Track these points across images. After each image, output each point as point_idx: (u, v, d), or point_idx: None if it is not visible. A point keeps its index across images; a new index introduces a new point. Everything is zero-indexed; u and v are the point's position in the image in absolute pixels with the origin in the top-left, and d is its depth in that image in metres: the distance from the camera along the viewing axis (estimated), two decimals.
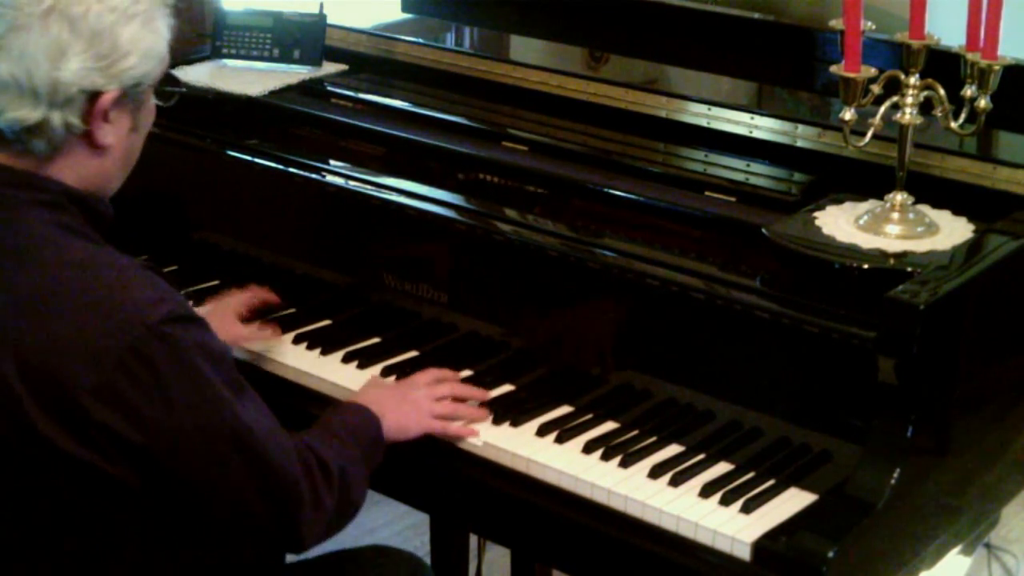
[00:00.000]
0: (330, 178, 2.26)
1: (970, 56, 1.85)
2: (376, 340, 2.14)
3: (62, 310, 1.53)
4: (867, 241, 1.84)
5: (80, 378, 1.50)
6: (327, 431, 1.80)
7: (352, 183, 2.22)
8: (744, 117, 2.18)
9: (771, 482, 1.78)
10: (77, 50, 1.55)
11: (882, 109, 1.85)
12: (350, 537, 2.01)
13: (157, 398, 1.52)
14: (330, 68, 2.60)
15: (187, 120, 2.45)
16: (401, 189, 2.17)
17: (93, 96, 1.58)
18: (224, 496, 1.61)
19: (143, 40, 1.61)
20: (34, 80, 1.54)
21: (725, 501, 1.75)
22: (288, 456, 1.65)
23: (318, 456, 1.70)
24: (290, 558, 2.08)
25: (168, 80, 1.73)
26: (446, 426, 1.91)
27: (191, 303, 2.27)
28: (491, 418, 1.94)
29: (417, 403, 1.92)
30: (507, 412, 1.94)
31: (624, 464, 1.83)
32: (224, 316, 2.12)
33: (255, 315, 2.20)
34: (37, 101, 1.55)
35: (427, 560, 2.69)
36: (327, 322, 2.20)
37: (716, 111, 2.20)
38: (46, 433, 1.51)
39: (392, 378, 2.04)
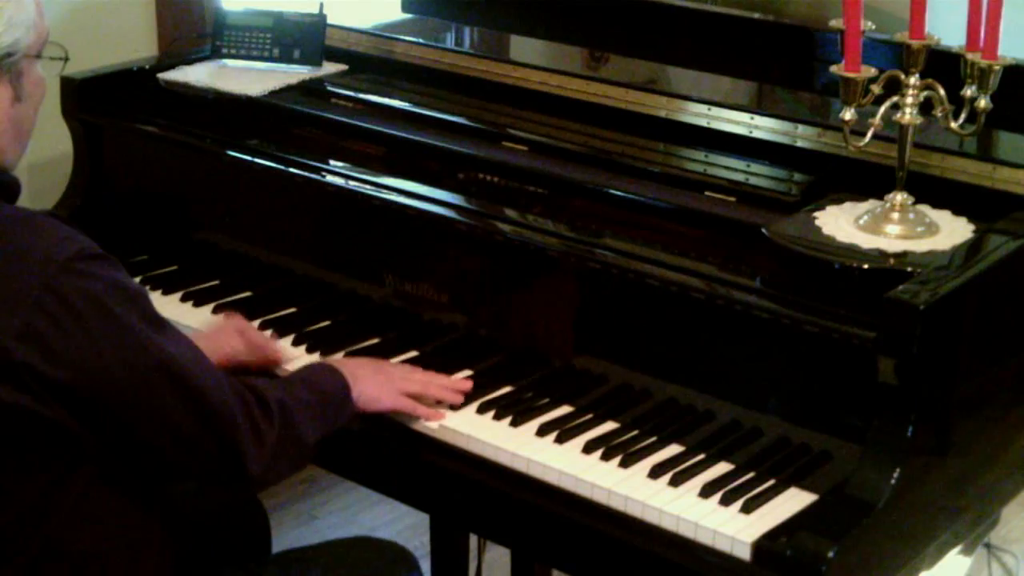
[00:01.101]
0: (330, 178, 2.26)
1: (970, 56, 1.85)
2: (376, 340, 2.14)
3: None
4: (867, 241, 1.84)
5: (3, 325, 1.53)
6: (281, 380, 1.84)
7: (352, 183, 2.22)
8: (744, 117, 2.18)
9: (771, 482, 1.78)
10: None
11: (882, 109, 1.85)
12: (349, 535, 2.02)
13: (76, 334, 1.55)
14: (330, 68, 2.59)
15: (187, 120, 2.46)
16: (401, 189, 2.17)
17: None
18: (161, 428, 1.63)
19: (5, 10, 1.63)
20: None
21: (725, 501, 1.75)
22: (218, 383, 1.67)
23: (256, 392, 1.73)
24: (277, 547, 2.09)
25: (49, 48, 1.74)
26: (416, 406, 1.93)
27: (192, 303, 2.28)
28: (491, 416, 1.94)
29: (390, 377, 1.95)
30: (507, 412, 1.94)
31: (624, 464, 1.83)
32: (225, 328, 2.11)
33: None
34: None
35: (427, 560, 2.69)
36: (327, 322, 2.20)
37: (716, 111, 2.20)
38: None
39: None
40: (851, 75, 1.81)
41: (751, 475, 1.80)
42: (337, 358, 2.00)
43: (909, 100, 1.85)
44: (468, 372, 2.04)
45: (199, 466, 1.70)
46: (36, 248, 1.58)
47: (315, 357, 2.10)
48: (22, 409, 1.55)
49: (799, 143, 2.13)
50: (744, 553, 1.67)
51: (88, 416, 1.59)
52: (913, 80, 1.85)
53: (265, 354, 2.07)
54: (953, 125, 1.87)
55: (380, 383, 1.93)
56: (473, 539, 2.63)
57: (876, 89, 1.84)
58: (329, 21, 2.60)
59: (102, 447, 1.63)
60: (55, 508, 1.63)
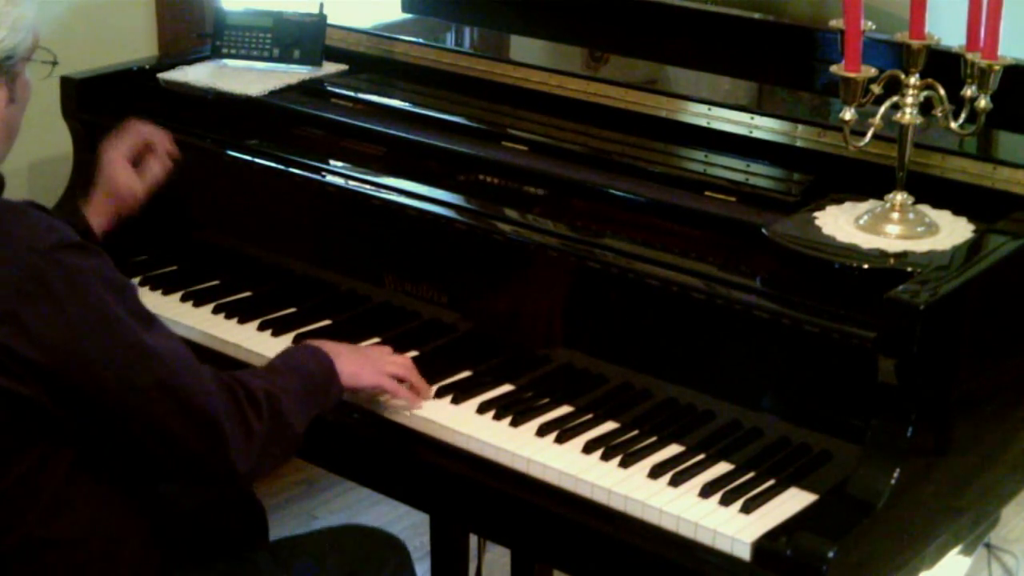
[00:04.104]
0: (330, 178, 2.26)
1: (970, 56, 1.85)
2: (376, 340, 2.14)
3: None
4: (867, 241, 1.84)
5: None
6: (266, 368, 1.84)
7: (352, 183, 2.22)
8: (744, 117, 2.18)
9: (771, 482, 1.78)
10: None
11: (882, 109, 1.85)
12: None
13: (55, 318, 1.56)
14: (330, 68, 2.60)
15: (187, 120, 2.46)
16: (401, 189, 2.17)
17: None
18: (141, 420, 1.63)
19: (9, 14, 1.64)
20: None
21: (725, 501, 1.75)
22: (202, 381, 1.67)
23: (243, 384, 1.72)
24: (274, 535, 2.10)
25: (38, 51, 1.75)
26: (397, 387, 1.94)
27: (191, 303, 2.28)
28: (491, 416, 1.94)
29: (372, 358, 1.96)
30: (507, 412, 1.94)
31: (624, 464, 1.83)
32: (115, 159, 2.19)
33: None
34: None
35: (427, 560, 2.70)
36: (327, 322, 2.21)
37: (716, 111, 2.20)
38: None
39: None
40: (851, 75, 1.81)
41: (751, 475, 1.80)
42: (322, 340, 2.00)
43: (909, 100, 1.85)
44: (468, 372, 2.04)
45: (183, 463, 1.69)
46: (19, 236, 1.59)
47: None
48: (7, 392, 1.56)
49: (799, 143, 2.13)
50: (744, 553, 1.67)
51: (67, 399, 1.59)
52: (913, 80, 1.85)
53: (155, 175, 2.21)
54: (953, 125, 1.87)
55: (361, 363, 1.94)
56: (473, 539, 2.63)
57: (876, 89, 1.84)
58: (329, 21, 2.60)
59: (82, 432, 1.63)
60: (37, 494, 1.63)
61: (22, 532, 1.64)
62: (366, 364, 1.94)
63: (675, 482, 1.79)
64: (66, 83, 2.49)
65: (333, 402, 1.89)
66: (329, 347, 1.93)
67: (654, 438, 1.88)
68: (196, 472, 1.72)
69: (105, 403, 1.61)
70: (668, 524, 1.73)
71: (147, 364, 1.62)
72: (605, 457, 1.84)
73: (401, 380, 1.96)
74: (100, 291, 1.60)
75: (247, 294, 2.29)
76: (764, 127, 2.17)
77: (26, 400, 1.57)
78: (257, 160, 2.33)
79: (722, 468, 1.82)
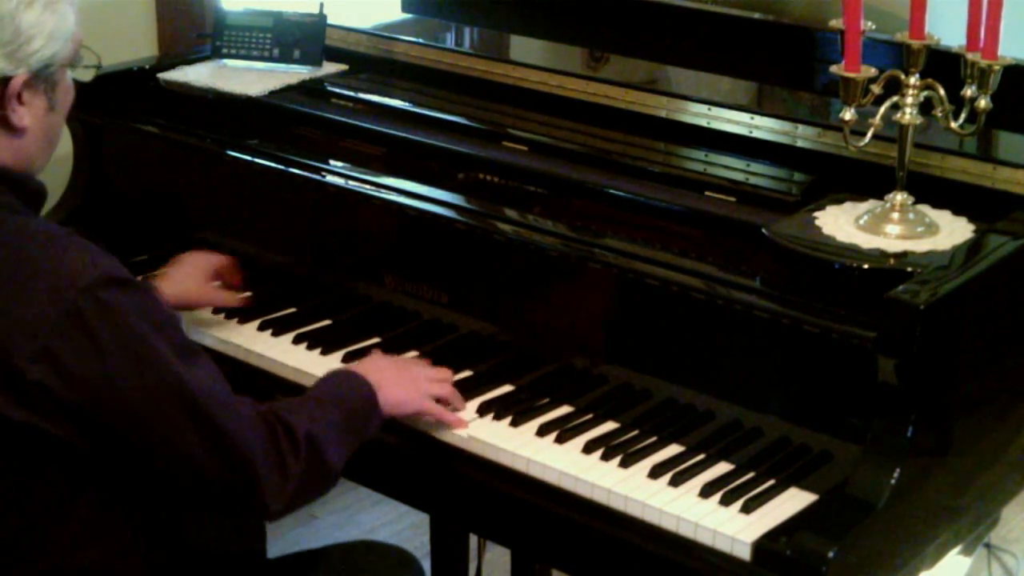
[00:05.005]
0: (330, 178, 2.26)
1: (970, 56, 1.85)
2: (376, 340, 2.14)
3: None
4: (867, 241, 1.84)
5: (17, 345, 1.52)
6: (305, 398, 1.80)
7: (352, 183, 2.22)
8: (744, 117, 2.18)
9: (771, 482, 1.78)
10: None
11: (882, 109, 1.85)
12: (350, 537, 2.02)
13: (91, 358, 1.54)
14: (330, 68, 2.60)
15: (187, 120, 2.46)
16: (401, 189, 2.17)
17: (3, 81, 1.60)
18: (173, 457, 1.61)
19: (46, 23, 1.62)
20: None
21: (725, 501, 1.75)
22: (239, 419, 1.64)
23: (283, 421, 1.69)
24: (276, 547, 2.08)
25: (82, 55, 1.73)
26: (442, 411, 1.92)
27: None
28: (491, 416, 1.94)
29: (416, 380, 1.92)
30: (507, 412, 1.94)
31: (624, 464, 1.83)
32: (191, 272, 2.15)
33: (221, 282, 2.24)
34: None
35: (427, 560, 2.69)
36: (327, 322, 2.21)
37: (716, 111, 2.20)
38: None
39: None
40: (851, 75, 1.81)
41: (751, 475, 1.80)
42: (363, 361, 1.95)
43: (909, 100, 1.85)
44: (468, 372, 2.04)
45: (214, 498, 1.67)
46: (60, 271, 1.55)
47: (315, 355, 2.11)
48: (32, 428, 1.54)
49: (799, 143, 2.13)
50: (744, 553, 1.67)
51: (98, 437, 1.57)
52: (913, 80, 1.85)
53: (227, 299, 2.16)
54: (953, 125, 1.87)
55: (406, 387, 1.89)
56: (473, 539, 2.63)
57: (876, 89, 1.84)
58: (329, 21, 2.60)
59: (111, 469, 1.61)
60: (64, 525, 1.62)
61: (48, 563, 1.63)
62: (410, 389, 1.89)
63: (675, 482, 1.79)
64: None
65: (372, 433, 1.84)
66: (372, 374, 1.87)
67: (654, 438, 1.88)
68: (227, 509, 1.70)
69: (136, 441, 1.59)
70: (668, 524, 1.73)
71: (182, 402, 1.59)
72: (605, 457, 1.84)
73: (441, 400, 1.93)
74: (139, 328, 1.57)
75: (247, 294, 2.29)
76: (764, 127, 2.17)
77: (56, 440, 1.55)
78: (257, 160, 2.33)
79: (722, 468, 1.82)
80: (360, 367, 1.91)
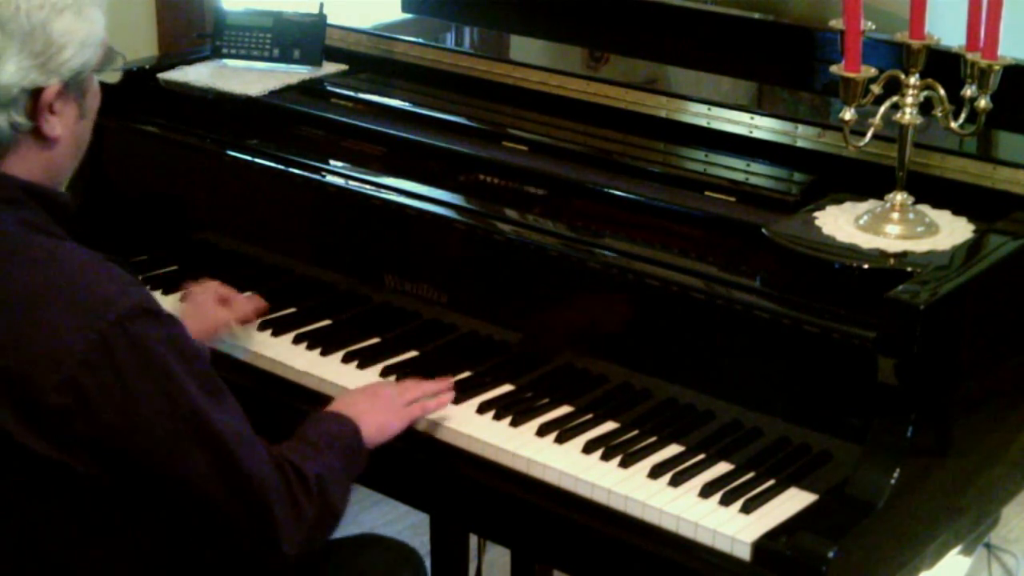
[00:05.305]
0: (330, 178, 2.26)
1: (970, 56, 1.85)
2: (376, 340, 2.14)
3: (26, 310, 1.52)
4: (867, 241, 1.84)
5: (44, 376, 1.50)
6: (304, 442, 1.77)
7: (352, 183, 2.22)
8: (744, 117, 2.18)
9: (771, 482, 1.78)
10: (11, 52, 1.55)
11: (882, 109, 1.85)
12: (351, 535, 2.02)
13: (117, 392, 1.52)
14: (330, 68, 2.60)
15: (187, 120, 2.46)
16: (401, 189, 2.17)
17: (35, 93, 1.58)
18: (191, 495, 1.59)
19: (78, 31, 1.60)
20: None
21: (725, 501, 1.75)
22: (260, 461, 1.63)
23: (294, 465, 1.68)
24: None
25: (110, 58, 1.70)
26: (422, 405, 1.92)
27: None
28: (491, 416, 1.94)
29: (388, 398, 1.92)
30: (507, 412, 1.94)
31: (624, 464, 1.83)
32: (207, 300, 2.13)
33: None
34: None
35: (427, 560, 2.69)
36: (327, 322, 2.21)
37: (716, 111, 2.20)
38: (10, 430, 1.51)
39: (392, 378, 2.04)
40: (851, 75, 1.81)
41: (751, 475, 1.80)
42: (337, 401, 1.93)
43: (909, 100, 1.85)
44: (468, 372, 2.04)
45: (229, 537, 1.65)
46: (90, 300, 1.53)
47: (315, 355, 2.11)
48: (50, 460, 1.52)
49: (799, 143, 2.13)
50: (744, 553, 1.67)
51: (118, 470, 1.55)
52: (913, 80, 1.85)
53: (247, 311, 2.12)
54: (953, 125, 1.87)
55: (381, 411, 1.89)
56: (473, 539, 2.63)
57: (876, 89, 1.84)
58: (329, 21, 2.60)
59: (132, 500, 1.59)
60: (84, 555, 1.60)
61: None
62: (386, 412, 1.89)
63: (675, 482, 1.79)
64: None
65: (362, 469, 1.83)
66: (349, 409, 1.86)
67: (654, 438, 1.88)
68: (241, 548, 1.68)
69: (155, 476, 1.57)
70: (668, 524, 1.73)
71: (206, 441, 1.57)
72: (605, 457, 1.84)
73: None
74: (168, 362, 1.55)
75: (247, 294, 2.29)
76: (764, 127, 2.17)
77: (76, 472, 1.53)
78: (257, 160, 2.33)
79: (722, 468, 1.82)
80: (338, 405, 1.89)
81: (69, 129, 1.64)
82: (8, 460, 1.53)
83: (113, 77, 1.75)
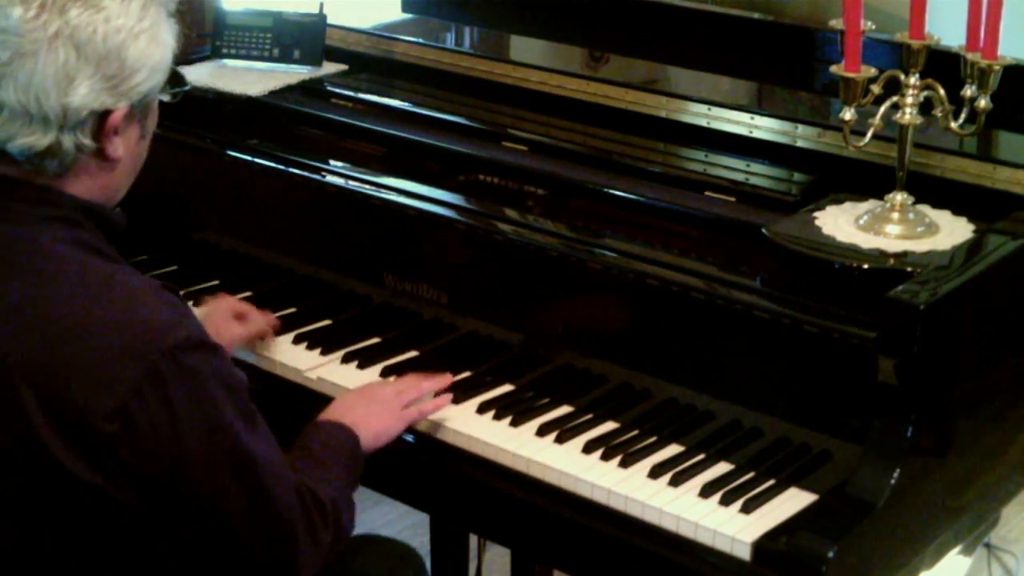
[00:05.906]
0: (330, 178, 2.26)
1: (970, 56, 1.85)
2: (376, 340, 2.14)
3: (79, 333, 1.51)
4: (867, 241, 1.84)
5: (95, 402, 1.49)
6: (312, 459, 1.77)
7: (352, 183, 2.22)
8: (744, 117, 2.18)
9: (771, 482, 1.78)
10: (86, 74, 1.53)
11: (882, 109, 1.85)
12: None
13: (165, 423, 1.51)
14: (330, 68, 2.60)
15: (187, 120, 2.45)
16: (401, 189, 2.17)
17: (103, 115, 1.57)
18: (220, 522, 1.59)
19: (151, 56, 1.59)
20: (43, 107, 1.52)
21: (725, 501, 1.75)
22: (288, 493, 1.63)
23: (313, 493, 1.68)
24: None
25: (174, 80, 1.70)
26: (421, 408, 1.92)
27: (192, 303, 2.27)
28: (491, 416, 1.94)
29: (386, 402, 1.92)
30: (507, 412, 1.94)
31: (624, 464, 1.83)
32: (223, 316, 2.12)
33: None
34: (47, 127, 1.53)
35: (427, 560, 2.69)
36: (327, 322, 2.21)
37: (716, 111, 2.20)
38: (58, 455, 1.50)
39: (392, 378, 2.04)
40: (851, 75, 1.81)
41: (751, 475, 1.80)
42: (334, 406, 1.91)
43: (909, 100, 1.85)
44: (468, 372, 2.04)
45: (249, 564, 1.64)
46: (142, 329, 1.51)
47: (315, 354, 2.11)
48: (92, 486, 1.51)
49: (799, 143, 2.13)
50: (744, 553, 1.67)
51: (156, 499, 1.55)
52: (913, 80, 1.85)
53: (261, 327, 2.12)
54: (953, 125, 1.87)
55: (380, 416, 1.89)
56: (473, 539, 2.63)
57: (876, 89, 1.84)
58: (329, 21, 2.60)
59: (161, 528, 1.58)
60: None
61: None
62: (384, 417, 1.89)
63: (675, 482, 1.79)
64: None
65: (359, 477, 1.84)
66: (347, 416, 1.86)
67: (654, 438, 1.88)
68: (257, 570, 1.67)
69: (188, 503, 1.56)
70: (668, 524, 1.73)
71: (240, 474, 1.57)
72: (605, 457, 1.84)
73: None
74: (215, 394, 1.55)
75: (247, 294, 2.29)
76: (764, 127, 2.17)
77: (114, 500, 1.53)
78: (257, 160, 2.33)
79: (722, 468, 1.82)
80: (335, 413, 1.88)
81: (130, 150, 1.63)
82: (51, 484, 1.52)
83: (170, 96, 1.74)
